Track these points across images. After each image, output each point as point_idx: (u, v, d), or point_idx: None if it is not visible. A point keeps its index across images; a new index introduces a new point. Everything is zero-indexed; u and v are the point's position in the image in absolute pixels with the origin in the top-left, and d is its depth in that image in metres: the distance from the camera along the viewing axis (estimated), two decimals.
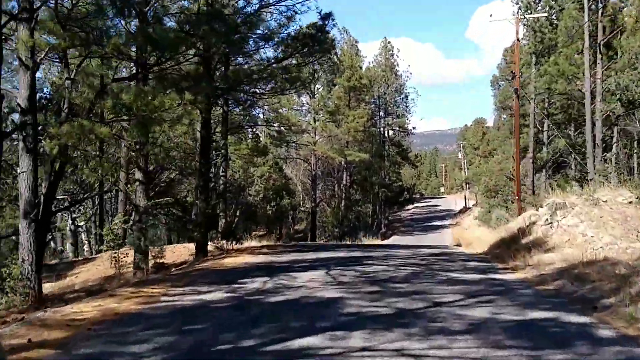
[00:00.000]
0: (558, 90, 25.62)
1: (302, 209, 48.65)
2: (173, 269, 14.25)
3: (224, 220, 25.07)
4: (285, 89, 19.44)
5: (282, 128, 44.92)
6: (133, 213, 18.39)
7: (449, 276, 10.13)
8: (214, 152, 29.70)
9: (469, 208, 61.03)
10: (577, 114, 29.21)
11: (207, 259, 14.98)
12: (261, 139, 45.53)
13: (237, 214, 38.84)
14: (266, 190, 38.10)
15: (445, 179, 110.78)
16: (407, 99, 55.97)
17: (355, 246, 24.14)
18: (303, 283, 9.37)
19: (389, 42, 54.27)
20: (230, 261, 13.27)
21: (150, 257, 16.01)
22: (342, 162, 46.63)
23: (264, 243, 23.80)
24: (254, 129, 38.18)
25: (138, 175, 16.60)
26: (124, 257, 15.86)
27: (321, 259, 13.41)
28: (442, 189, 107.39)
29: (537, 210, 17.09)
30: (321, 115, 44.72)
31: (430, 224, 55.81)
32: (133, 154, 17.97)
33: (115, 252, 16.22)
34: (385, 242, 42.78)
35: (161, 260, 16.67)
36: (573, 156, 32.09)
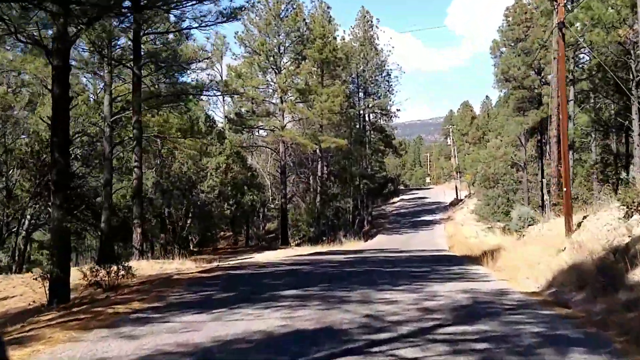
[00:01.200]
0: (595, 42, 19.05)
1: (272, 205, 41.85)
2: None
3: (139, 230, 18.06)
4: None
5: (243, 109, 38.04)
6: None
7: None
8: (122, 134, 22.84)
9: (461, 200, 54.76)
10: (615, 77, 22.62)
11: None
12: (220, 126, 38.61)
13: (190, 215, 31.95)
14: (223, 185, 31.13)
15: (430, 169, 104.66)
16: (389, 78, 49.32)
17: (336, 255, 17.42)
18: None
19: (368, 12, 47.49)
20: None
21: None
22: (317, 150, 39.86)
23: (197, 266, 16.92)
24: (196, 99, 30.85)
25: None
26: None
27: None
28: (427, 180, 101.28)
29: (594, 212, 10.66)
30: (289, 95, 37.85)
31: (419, 218, 49.37)
32: None
33: None
34: (369, 244, 36.17)
35: None
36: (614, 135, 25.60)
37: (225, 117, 35.81)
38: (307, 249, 32.20)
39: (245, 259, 23.93)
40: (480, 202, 40.63)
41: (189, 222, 31.60)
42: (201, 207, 30.91)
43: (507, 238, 25.36)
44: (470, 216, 45.90)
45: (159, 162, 31.14)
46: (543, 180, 33.24)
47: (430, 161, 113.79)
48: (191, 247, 35.86)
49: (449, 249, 24.64)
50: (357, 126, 47.57)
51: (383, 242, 36.39)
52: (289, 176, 39.82)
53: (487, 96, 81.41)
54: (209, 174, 30.56)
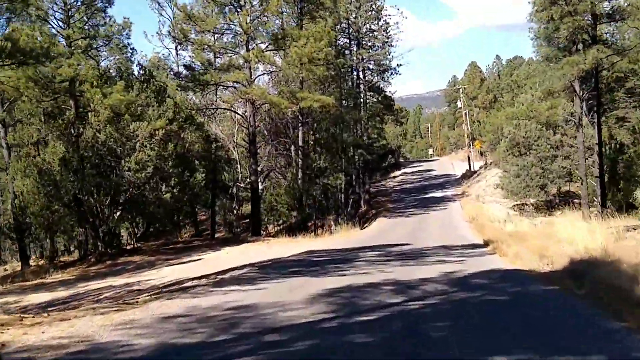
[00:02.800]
0: None
1: (242, 185, 33.10)
2: None
3: None
4: None
5: (197, 62, 28.88)
6: None
7: None
8: None
9: (476, 172, 46.00)
10: None
11: None
12: (169, 85, 29.59)
13: (117, 203, 23.23)
14: (161, 159, 22.30)
15: (434, 139, 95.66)
16: (387, 26, 40.03)
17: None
18: None
19: None
20: None
21: None
22: (297, 114, 30.98)
23: None
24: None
25: None
26: None
27: None
28: (430, 151, 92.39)
29: None
30: (258, 41, 28.84)
31: (427, 195, 40.68)
32: None
33: None
34: (366, 232, 27.52)
35: None
36: None
37: (171, 70, 26.79)
38: (280, 244, 23.62)
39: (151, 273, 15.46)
40: (507, 174, 31.88)
41: (114, 210, 22.89)
42: (129, 191, 22.17)
43: (579, 231, 16.70)
44: (492, 191, 37.23)
45: (72, 131, 22.35)
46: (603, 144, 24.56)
47: (430, 132, 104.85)
48: (131, 242, 27.26)
49: (491, 246, 15.94)
50: (350, 84, 38.55)
51: (385, 229, 27.76)
52: (260, 146, 30.99)
53: (497, 55, 72.21)
54: (137, 144, 21.69)
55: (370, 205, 39.19)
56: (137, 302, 9.81)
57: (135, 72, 25.77)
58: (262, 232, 32.89)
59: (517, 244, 16.73)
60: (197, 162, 27.32)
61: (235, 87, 28.19)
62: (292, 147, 33.52)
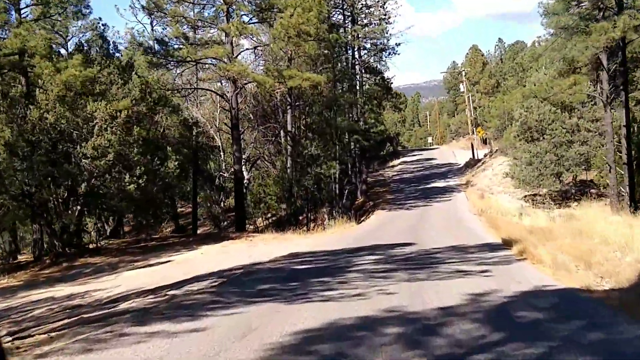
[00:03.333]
0: None
1: (226, 174, 29.98)
2: None
3: None
4: None
5: (171, 38, 25.58)
6: None
7: None
8: None
9: (480, 160, 42.96)
10: None
11: None
12: (138, 62, 26.36)
13: (75, 195, 20.12)
14: (125, 145, 19.20)
15: (434, 127, 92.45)
16: (384, 1, 36.66)
17: None
18: None
19: None
20: None
21: None
22: (286, 95, 27.82)
23: None
24: None
25: None
26: None
27: None
28: (430, 139, 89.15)
29: None
30: (241, 12, 25.61)
31: (429, 185, 37.64)
32: None
33: None
34: (363, 227, 24.48)
35: None
36: None
37: (140, 45, 23.53)
38: (264, 242, 20.62)
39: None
40: (518, 162, 28.85)
41: (74, 204, 19.83)
42: (89, 182, 19.09)
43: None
44: (499, 180, 34.24)
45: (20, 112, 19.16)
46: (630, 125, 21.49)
47: (429, 121, 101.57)
48: (98, 240, 24.16)
49: (515, 248, 12.88)
50: (345, 64, 35.31)
51: (384, 224, 24.74)
52: (243, 130, 27.86)
53: (499, 39, 68.94)
54: (96, 128, 18.55)
55: (367, 196, 36.14)
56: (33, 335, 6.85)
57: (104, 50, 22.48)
58: (248, 226, 29.92)
59: (544, 244, 13.74)
60: (173, 148, 24.11)
61: (215, 65, 25.00)
62: (282, 133, 30.39)
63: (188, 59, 24.96)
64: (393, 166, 53.50)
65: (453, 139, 71.83)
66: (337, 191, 30.45)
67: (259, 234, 25.15)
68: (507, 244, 14.69)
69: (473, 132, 46.49)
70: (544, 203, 25.76)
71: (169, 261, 17.72)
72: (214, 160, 31.92)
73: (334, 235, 22.20)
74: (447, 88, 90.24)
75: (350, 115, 34.69)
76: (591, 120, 28.22)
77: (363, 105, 35.69)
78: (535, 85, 27.61)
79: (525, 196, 30.22)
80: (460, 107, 72.00)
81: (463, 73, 48.38)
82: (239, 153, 26.00)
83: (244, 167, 30.74)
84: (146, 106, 22.43)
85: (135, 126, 20.18)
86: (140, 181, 19.62)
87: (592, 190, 28.63)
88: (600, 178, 26.41)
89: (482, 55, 66.71)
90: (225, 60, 24.39)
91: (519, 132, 28.84)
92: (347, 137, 33.34)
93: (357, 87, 36.01)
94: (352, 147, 34.75)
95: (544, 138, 27.95)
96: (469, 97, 46.20)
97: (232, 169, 26.52)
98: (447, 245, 14.83)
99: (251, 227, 32.03)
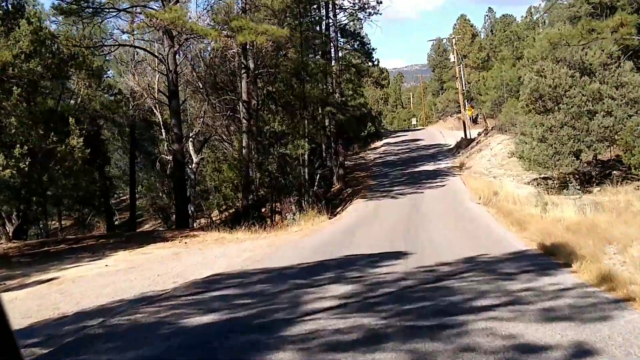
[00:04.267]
0: None
1: (168, 157, 24.19)
2: None
3: None
4: None
5: None
6: None
7: None
8: None
9: (474, 140, 37.69)
10: None
11: None
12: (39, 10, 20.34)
13: None
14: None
15: (414, 108, 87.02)
16: None
17: None
18: None
19: None
20: None
21: None
22: (238, 53, 22.08)
23: None
24: None
25: None
26: None
27: None
28: (414, 121, 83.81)
29: None
30: None
31: (417, 169, 32.25)
32: None
33: None
34: (338, 225, 18.82)
35: None
36: None
37: None
38: (201, 248, 15.11)
39: None
40: (527, 137, 23.56)
41: None
42: None
43: None
44: (499, 162, 29.04)
45: None
46: None
47: (412, 103, 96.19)
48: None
49: (575, 265, 7.50)
50: (317, 28, 29.55)
51: (364, 218, 19.26)
52: (184, 102, 22.08)
53: (489, 8, 63.71)
54: None
55: (345, 182, 30.64)
56: None
57: None
58: (198, 222, 24.44)
59: (612, 256, 8.51)
60: (94, 124, 18.32)
61: (140, 13, 19.16)
62: (240, 107, 24.65)
63: (108, 5, 19.05)
64: (375, 148, 48.03)
65: (440, 118, 66.54)
66: (307, 176, 24.89)
67: (206, 232, 19.61)
68: (551, 254, 9.33)
69: (466, 108, 41.10)
70: (570, 188, 20.49)
71: (53, 279, 12.18)
72: (156, 140, 26.15)
73: (297, 235, 16.69)
74: (431, 66, 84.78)
75: (325, 86, 29.05)
76: (615, 86, 23.03)
77: (339, 73, 30.01)
78: (550, 41, 22.19)
79: (533, 180, 25.06)
80: (447, 84, 66.65)
81: (453, 41, 42.87)
82: (179, 129, 20.27)
83: (191, 147, 25.01)
84: (44, 64, 16.57)
85: (16, 87, 14.39)
86: (22, 164, 13.87)
87: (615, 172, 23.59)
88: (632, 156, 21.25)
89: (472, 25, 61.16)
90: (156, 6, 18.60)
91: (529, 101, 23.51)
92: (320, 111, 27.73)
93: (332, 53, 30.34)
94: (326, 123, 29.16)
95: (559, 109, 22.65)
96: (459, 67, 40.73)
97: (171, 149, 20.84)
98: (461, 258, 9.46)
99: (203, 221, 26.47)
